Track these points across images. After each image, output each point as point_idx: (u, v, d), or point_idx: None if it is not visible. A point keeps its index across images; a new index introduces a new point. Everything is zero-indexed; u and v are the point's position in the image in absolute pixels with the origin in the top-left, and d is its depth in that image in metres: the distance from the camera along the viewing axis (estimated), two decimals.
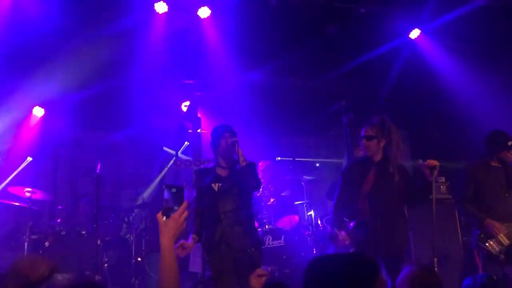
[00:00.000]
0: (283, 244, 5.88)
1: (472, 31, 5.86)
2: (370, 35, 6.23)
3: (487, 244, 4.25)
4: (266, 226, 5.93)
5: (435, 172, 3.64)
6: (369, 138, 3.91)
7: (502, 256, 4.20)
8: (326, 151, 8.11)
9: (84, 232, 5.67)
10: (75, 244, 5.57)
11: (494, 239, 4.23)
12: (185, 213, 1.98)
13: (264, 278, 2.46)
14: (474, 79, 6.22)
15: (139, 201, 6.64)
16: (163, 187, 2.03)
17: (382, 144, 3.89)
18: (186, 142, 6.92)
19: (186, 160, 6.75)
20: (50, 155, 7.24)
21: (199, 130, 6.90)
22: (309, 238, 6.07)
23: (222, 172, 3.98)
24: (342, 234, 3.85)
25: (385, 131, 3.85)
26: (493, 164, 4.43)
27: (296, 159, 6.97)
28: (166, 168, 6.88)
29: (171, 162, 6.48)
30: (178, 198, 1.97)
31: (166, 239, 1.93)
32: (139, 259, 5.99)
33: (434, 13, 5.94)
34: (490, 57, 6.16)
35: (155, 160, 7.50)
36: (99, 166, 4.84)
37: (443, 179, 5.92)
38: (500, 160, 4.39)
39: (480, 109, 6.17)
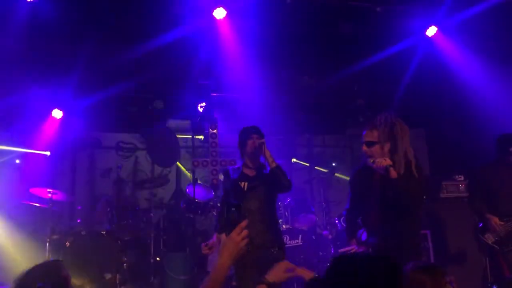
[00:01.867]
0: (301, 243, 5.90)
1: (491, 28, 5.79)
2: (386, 34, 6.18)
3: (485, 236, 4.76)
4: (284, 226, 5.94)
5: (391, 170, 3.22)
6: (369, 144, 3.39)
7: (497, 247, 4.72)
8: (342, 150, 8.09)
9: (104, 232, 5.74)
10: (95, 244, 5.64)
11: (491, 232, 4.69)
12: (244, 233, 1.96)
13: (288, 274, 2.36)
14: (493, 77, 6.14)
15: (157, 201, 6.71)
16: (224, 205, 2.05)
17: (386, 148, 3.36)
18: (201, 136, 6.96)
19: (203, 161, 6.81)
20: (68, 156, 7.34)
21: (215, 130, 6.96)
22: (326, 238, 6.07)
23: (250, 172, 4.06)
24: (353, 246, 3.63)
25: (387, 132, 3.34)
26: (503, 164, 4.75)
27: (314, 167, 6.95)
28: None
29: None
30: (236, 217, 1.99)
31: (222, 258, 1.92)
32: (157, 258, 6.05)
33: (451, 10, 5.86)
34: (509, 55, 6.07)
35: (171, 160, 7.55)
36: (119, 167, 4.87)
37: (461, 178, 5.89)
38: (508, 161, 4.73)
39: (499, 108, 6.11)
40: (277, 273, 2.24)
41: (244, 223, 1.97)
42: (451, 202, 5.78)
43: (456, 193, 5.87)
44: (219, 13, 5.81)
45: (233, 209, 2.01)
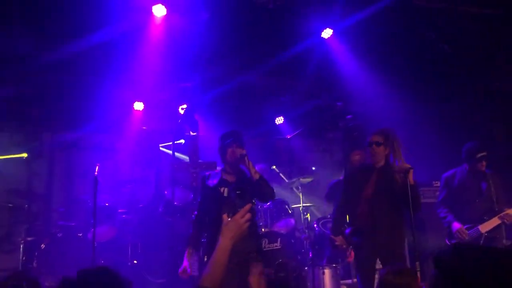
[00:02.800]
0: (279, 247, 5.90)
1: (375, 31, 5.84)
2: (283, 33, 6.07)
3: (452, 242, 4.98)
4: (263, 229, 5.94)
5: (410, 175, 3.80)
6: (378, 144, 4.04)
7: None
8: (322, 154, 8.15)
9: (81, 234, 5.66)
10: (71, 247, 5.56)
11: (456, 238, 4.90)
12: (248, 215, 2.01)
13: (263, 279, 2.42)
14: (373, 79, 6.27)
15: (136, 203, 6.64)
16: (230, 188, 2.09)
17: (386, 151, 4.04)
18: (182, 140, 6.92)
19: (183, 162, 6.77)
20: (46, 157, 7.21)
21: (195, 133, 6.92)
22: (305, 242, 6.09)
23: (229, 178, 4.00)
24: (339, 239, 3.97)
25: (389, 139, 4.04)
26: (472, 171, 4.98)
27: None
28: None
29: None
30: (241, 200, 2.02)
31: (225, 239, 1.97)
32: (135, 261, 5.99)
33: (345, 13, 5.77)
34: (385, 58, 6.19)
35: (152, 162, 7.50)
36: (97, 168, 4.81)
37: (438, 183, 5.99)
38: (474, 169, 4.94)
39: (378, 108, 6.26)
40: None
41: (248, 206, 2.02)
42: (427, 207, 5.88)
43: (433, 199, 5.98)
44: (159, 10, 5.68)
45: (238, 192, 2.05)
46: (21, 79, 6.30)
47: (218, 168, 4.21)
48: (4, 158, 6.29)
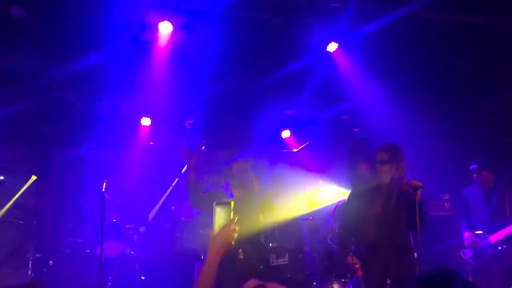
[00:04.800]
0: (287, 262, 5.87)
1: (384, 45, 5.83)
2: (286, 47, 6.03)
3: (464, 251, 5.24)
4: (271, 244, 5.91)
5: (419, 192, 3.78)
6: (383, 162, 3.99)
7: (471, 261, 5.17)
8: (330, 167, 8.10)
9: (88, 251, 5.67)
10: (80, 263, 5.56)
11: (468, 247, 5.18)
12: (233, 228, 1.96)
13: None
14: (380, 92, 6.25)
15: (145, 220, 6.65)
16: (214, 204, 2.06)
17: (393, 169, 3.99)
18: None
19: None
20: (55, 173, 7.26)
21: (202, 148, 6.94)
22: (313, 256, 6.06)
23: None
24: (349, 259, 3.94)
25: (395, 156, 3.98)
26: (474, 183, 5.31)
27: None
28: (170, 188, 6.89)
29: (175, 182, 6.50)
30: (225, 214, 2.00)
31: (212, 254, 1.92)
32: (142, 277, 5.98)
33: (351, 26, 5.77)
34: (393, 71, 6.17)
35: (160, 179, 7.52)
36: (104, 185, 4.84)
37: (447, 196, 5.96)
38: (475, 179, 5.26)
39: (385, 121, 6.24)
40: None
41: (234, 218, 1.98)
42: (435, 221, 5.84)
43: (442, 212, 5.95)
44: (165, 27, 5.74)
45: (222, 206, 2.02)
46: (29, 96, 6.36)
47: (226, 184, 4.24)
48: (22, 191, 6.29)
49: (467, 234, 5.18)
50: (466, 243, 5.20)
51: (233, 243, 1.97)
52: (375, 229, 3.93)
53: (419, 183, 3.80)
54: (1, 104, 6.09)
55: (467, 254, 5.23)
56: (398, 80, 6.00)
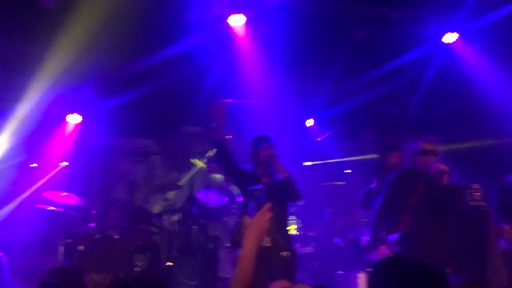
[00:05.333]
0: (313, 251, 5.87)
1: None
2: (402, 40, 6.08)
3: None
4: (297, 233, 5.91)
5: (445, 177, 3.72)
6: (427, 153, 3.92)
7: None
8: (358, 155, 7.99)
9: (117, 237, 5.77)
10: (108, 249, 5.67)
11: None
12: (268, 214, 2.00)
13: None
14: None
15: (170, 206, 6.73)
16: (249, 191, 2.10)
17: (435, 159, 3.92)
18: (214, 149, 6.99)
19: (217, 166, 6.81)
20: (84, 161, 7.41)
21: (228, 137, 6.95)
22: (339, 246, 6.02)
23: (263, 179, 4.09)
24: (384, 248, 3.83)
25: (439, 148, 3.95)
26: None
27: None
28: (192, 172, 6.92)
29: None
30: (260, 200, 2.04)
31: (249, 240, 1.96)
32: (169, 263, 6.06)
33: (471, 15, 5.70)
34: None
35: (186, 166, 7.58)
36: (132, 172, 4.91)
37: (477, 186, 5.79)
38: None
39: None
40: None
41: (268, 205, 2.01)
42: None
43: (472, 202, 5.78)
44: (235, 19, 5.77)
45: (256, 193, 2.06)
46: None
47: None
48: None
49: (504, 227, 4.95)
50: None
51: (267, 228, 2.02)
52: (409, 218, 3.83)
53: (445, 167, 3.74)
54: None
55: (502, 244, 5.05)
56: None
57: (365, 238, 4.64)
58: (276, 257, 3.86)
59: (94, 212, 6.26)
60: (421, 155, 3.92)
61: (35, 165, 6.90)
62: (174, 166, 7.54)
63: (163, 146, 7.62)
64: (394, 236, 3.87)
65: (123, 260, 5.63)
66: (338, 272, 5.54)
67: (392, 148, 5.45)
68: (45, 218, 6.36)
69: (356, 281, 5.20)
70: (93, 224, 6.10)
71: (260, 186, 2.00)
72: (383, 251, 3.82)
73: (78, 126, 6.96)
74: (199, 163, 7.12)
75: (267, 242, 3.86)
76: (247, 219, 2.06)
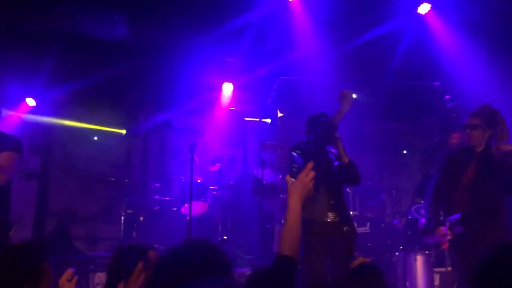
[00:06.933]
0: (369, 231, 5.80)
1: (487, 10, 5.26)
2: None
3: None
4: (351, 212, 5.86)
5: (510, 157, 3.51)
6: (472, 127, 3.73)
7: None
8: (414, 137, 7.79)
9: (175, 209, 5.94)
10: (167, 220, 5.85)
11: None
12: (311, 174, 2.02)
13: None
14: (476, 57, 5.64)
15: (226, 182, 6.84)
16: (289, 150, 2.11)
17: (486, 135, 3.71)
18: (268, 119, 7.02)
19: (272, 143, 6.84)
20: (142, 137, 7.64)
21: (283, 114, 6.95)
22: (396, 227, 5.93)
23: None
24: (443, 229, 3.72)
25: (490, 120, 3.68)
26: None
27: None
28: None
29: None
30: (303, 160, 2.05)
31: (293, 200, 1.99)
32: (225, 237, 6.18)
33: None
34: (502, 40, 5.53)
35: (240, 142, 7.67)
36: (192, 146, 5.00)
37: None
38: None
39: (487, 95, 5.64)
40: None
41: (310, 165, 2.03)
42: None
43: None
44: None
45: (298, 152, 2.05)
46: (119, 63, 6.68)
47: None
48: (106, 131, 6.80)
49: None
50: None
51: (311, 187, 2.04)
52: (466, 197, 3.69)
53: (509, 147, 3.54)
54: (94, 71, 6.43)
55: None
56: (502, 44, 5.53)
57: (422, 220, 4.54)
58: (337, 231, 3.85)
59: (155, 184, 6.45)
60: (466, 130, 3.74)
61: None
62: (227, 142, 7.64)
63: (216, 122, 7.73)
64: (454, 217, 3.73)
65: (180, 232, 5.79)
66: (396, 253, 5.47)
67: (452, 129, 5.27)
68: (108, 189, 6.62)
69: (413, 263, 5.13)
70: (154, 196, 6.29)
71: (303, 146, 1.92)
72: (444, 232, 3.72)
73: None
74: None
75: (330, 217, 3.86)
76: (289, 179, 2.05)
